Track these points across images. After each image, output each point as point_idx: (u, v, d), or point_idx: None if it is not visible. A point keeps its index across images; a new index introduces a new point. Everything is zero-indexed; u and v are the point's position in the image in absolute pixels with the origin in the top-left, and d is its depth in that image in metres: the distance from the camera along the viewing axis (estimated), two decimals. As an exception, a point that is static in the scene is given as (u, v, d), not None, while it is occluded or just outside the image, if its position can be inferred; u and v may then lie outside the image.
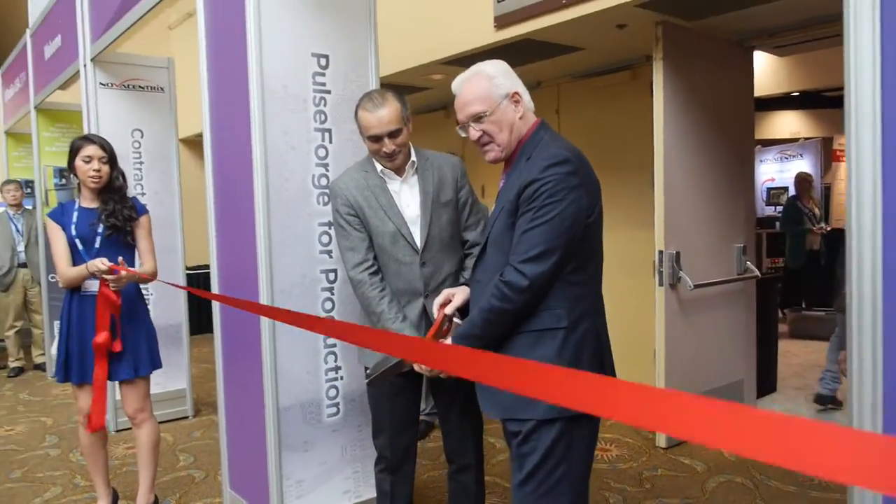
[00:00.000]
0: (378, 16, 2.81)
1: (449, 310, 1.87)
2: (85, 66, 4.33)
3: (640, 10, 3.63)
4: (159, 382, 4.41)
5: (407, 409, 2.28)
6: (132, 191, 4.41)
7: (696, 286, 3.71)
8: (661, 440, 3.77)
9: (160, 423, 4.40)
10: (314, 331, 1.74)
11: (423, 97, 6.00)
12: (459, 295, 1.90)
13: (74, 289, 2.78)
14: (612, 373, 1.78)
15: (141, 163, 4.52)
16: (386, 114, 2.11)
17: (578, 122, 5.31)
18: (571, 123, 5.36)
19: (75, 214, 2.80)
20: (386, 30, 4.52)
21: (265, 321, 2.49)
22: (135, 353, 2.84)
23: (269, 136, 2.50)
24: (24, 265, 6.09)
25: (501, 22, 4.15)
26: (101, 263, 2.62)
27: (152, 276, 2.86)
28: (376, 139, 2.13)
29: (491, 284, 1.67)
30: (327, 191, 2.58)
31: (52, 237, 2.79)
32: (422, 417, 4.06)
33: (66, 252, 2.77)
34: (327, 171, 2.63)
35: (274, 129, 2.51)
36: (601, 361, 1.71)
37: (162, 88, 4.63)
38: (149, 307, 4.53)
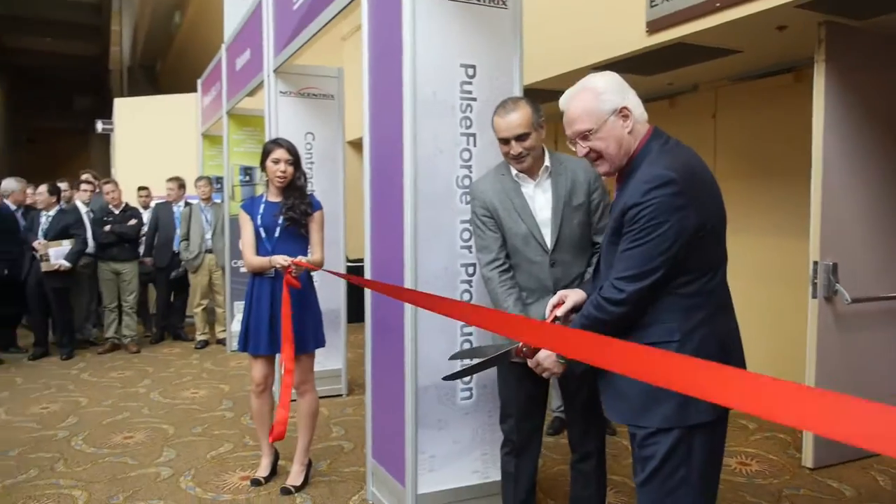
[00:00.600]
0: (528, 21, 2.97)
1: (560, 312, 1.97)
2: (268, 76, 4.88)
3: (802, 10, 3.49)
4: (319, 362, 4.85)
5: (533, 395, 2.43)
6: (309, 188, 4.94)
7: (855, 300, 3.51)
8: (808, 460, 3.59)
9: (319, 398, 4.92)
10: (450, 314, 1.91)
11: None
12: (573, 297, 1.99)
13: (257, 273, 3.23)
14: None
15: (311, 163, 5.01)
16: (515, 118, 2.27)
17: (736, 126, 5.14)
18: (728, 127, 5.21)
19: (262, 206, 3.25)
20: (536, 36, 4.70)
21: (408, 309, 2.74)
22: (303, 332, 3.21)
23: (420, 140, 2.74)
24: (210, 251, 6.91)
25: (654, 27, 4.15)
26: (283, 260, 3.06)
27: (319, 266, 3.24)
28: (505, 142, 2.30)
29: (591, 296, 1.78)
30: (467, 191, 2.79)
31: (243, 226, 3.25)
32: (556, 414, 4.17)
33: (253, 241, 3.21)
34: (470, 172, 2.83)
35: (424, 133, 2.75)
36: (732, 355, 1.74)
37: (332, 96, 5.10)
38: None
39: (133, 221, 6.72)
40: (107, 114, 10.09)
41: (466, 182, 2.83)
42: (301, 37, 4.13)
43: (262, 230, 3.21)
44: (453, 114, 2.80)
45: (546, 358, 1.97)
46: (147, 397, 5.11)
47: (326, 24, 3.73)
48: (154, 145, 8.65)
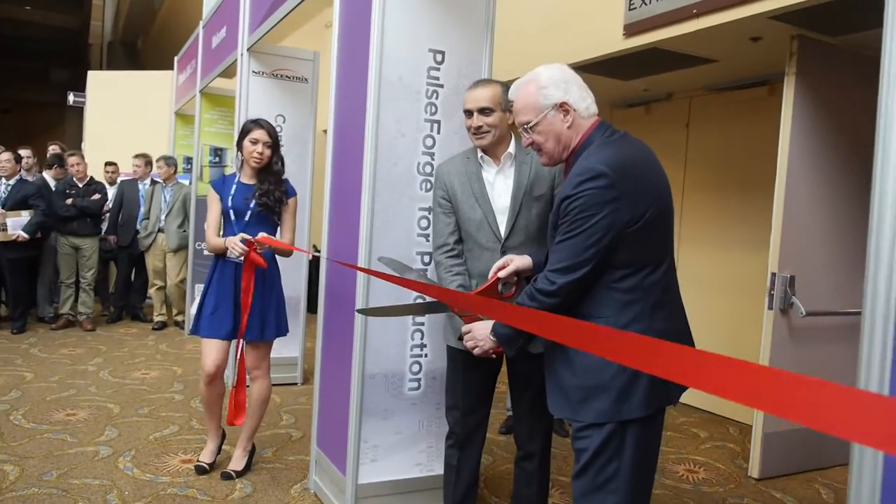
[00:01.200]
0: (505, 20, 2.94)
1: (503, 273, 1.98)
2: (241, 55, 4.78)
3: (775, 22, 3.51)
4: (276, 349, 4.76)
5: (480, 387, 2.39)
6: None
7: (810, 313, 3.52)
8: (755, 470, 3.60)
9: (273, 386, 4.83)
10: (406, 286, 1.94)
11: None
12: (517, 262, 1.99)
13: (220, 255, 3.08)
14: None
15: (281, 145, 4.91)
16: (482, 92, 2.28)
17: (708, 136, 5.16)
18: (700, 138, 5.22)
19: (234, 187, 3.10)
20: (512, 35, 4.67)
21: (359, 294, 2.69)
22: (263, 316, 3.09)
23: (382, 123, 2.69)
24: (161, 231, 6.79)
25: (631, 30, 4.14)
26: (239, 245, 2.87)
27: (286, 248, 3.08)
28: (468, 114, 2.29)
29: (528, 286, 1.76)
30: (431, 178, 2.74)
31: (210, 204, 3.13)
32: (509, 413, 4.13)
33: (217, 221, 3.11)
34: (432, 159, 2.78)
35: (387, 117, 2.70)
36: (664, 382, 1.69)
37: (306, 79, 5.02)
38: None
39: (97, 196, 6.57)
40: (81, 87, 9.88)
41: (428, 169, 2.78)
42: (276, 15, 4.05)
43: (231, 212, 3.08)
44: (418, 99, 2.76)
45: (481, 329, 1.94)
46: (96, 375, 4.98)
47: (297, 5, 3.66)
48: (126, 121, 8.48)
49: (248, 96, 4.72)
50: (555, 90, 1.78)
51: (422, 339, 2.83)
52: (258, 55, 4.77)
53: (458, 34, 2.81)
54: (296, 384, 4.99)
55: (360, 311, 2.50)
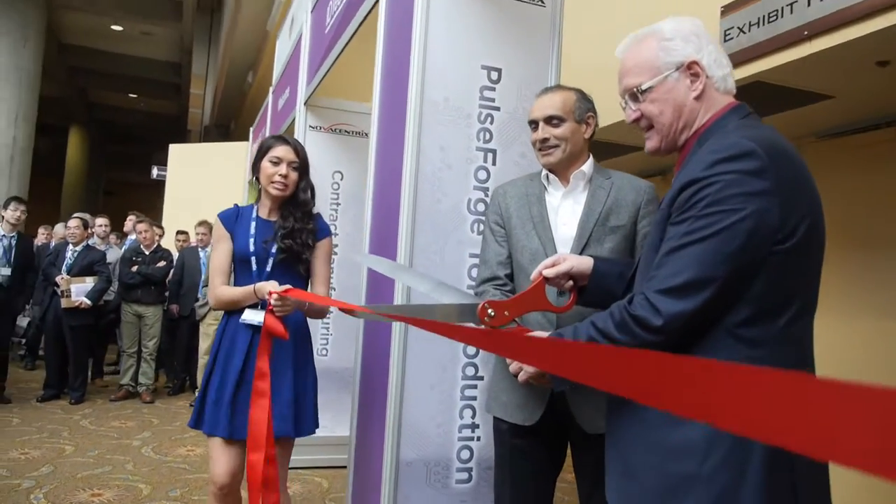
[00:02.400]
0: (574, 41, 2.49)
1: (549, 273, 1.42)
2: (299, 109, 4.54)
3: (910, 38, 2.89)
4: (326, 426, 4.31)
5: (534, 486, 1.81)
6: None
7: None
8: None
9: (319, 468, 4.32)
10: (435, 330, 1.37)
11: (637, 159, 5.51)
12: (573, 261, 1.44)
13: (233, 312, 2.32)
14: (814, 498, 1.14)
15: (338, 204, 4.59)
16: (550, 98, 1.82)
17: (826, 190, 4.43)
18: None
19: (253, 225, 2.34)
20: (588, 74, 4.22)
21: (395, 358, 2.17)
22: (299, 404, 2.29)
23: (424, 152, 2.24)
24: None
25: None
26: (272, 286, 2.12)
27: (320, 309, 2.41)
28: (534, 126, 1.83)
29: (615, 305, 1.19)
30: (483, 217, 2.25)
31: (215, 243, 2.41)
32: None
33: (226, 265, 2.38)
34: (486, 195, 2.29)
35: (430, 145, 2.25)
36: (789, 472, 1.08)
37: (366, 134, 4.71)
38: (326, 347, 4.54)
39: (162, 263, 6.43)
40: (160, 159, 10.16)
41: (481, 207, 2.29)
42: (328, 60, 3.77)
43: (253, 259, 2.31)
44: (469, 124, 2.30)
45: None
46: (138, 451, 4.61)
47: (349, 40, 3.35)
48: (203, 191, 8.51)
49: (304, 152, 4.44)
50: (683, 45, 1.28)
51: (473, 417, 2.26)
52: (315, 109, 4.51)
53: (518, 48, 2.37)
54: (345, 467, 4.44)
55: (364, 309, 1.91)
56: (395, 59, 2.52)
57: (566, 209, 1.84)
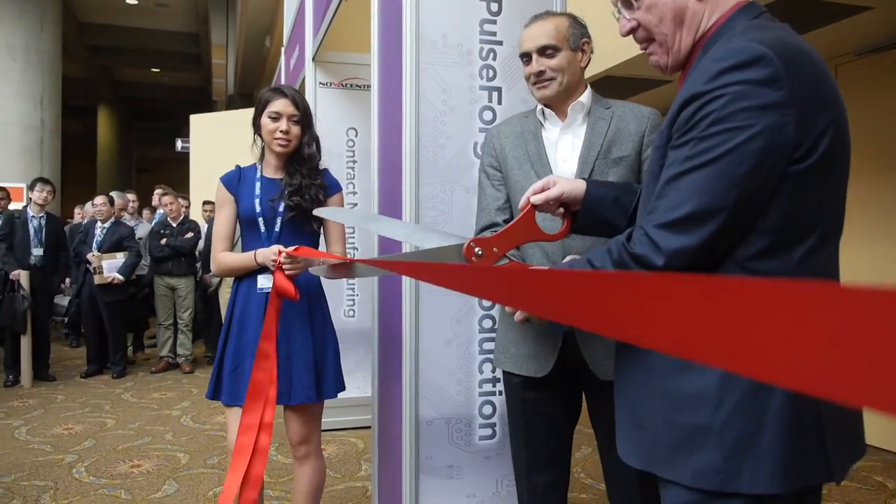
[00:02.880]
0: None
1: (537, 199, 1.30)
2: (308, 66, 4.40)
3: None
4: (358, 387, 4.28)
5: (550, 441, 1.71)
6: (341, 179, 4.37)
7: None
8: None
9: (353, 429, 4.31)
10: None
11: (665, 93, 5.25)
12: (563, 184, 1.30)
13: (243, 277, 2.23)
14: (844, 439, 1.02)
15: (354, 161, 4.47)
16: (540, 26, 1.66)
17: (860, 113, 4.17)
18: (853, 114, 4.23)
19: (258, 185, 2.25)
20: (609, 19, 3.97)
21: (406, 313, 2.08)
22: (319, 367, 2.22)
23: (424, 95, 2.10)
24: None
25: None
26: (274, 254, 2.05)
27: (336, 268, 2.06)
28: (526, 59, 1.68)
29: (613, 242, 1.06)
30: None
31: (218, 208, 2.31)
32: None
33: (229, 231, 2.31)
34: (493, 138, 2.15)
35: (429, 87, 2.11)
36: (814, 414, 0.96)
37: (378, 87, 4.56)
38: (353, 308, 4.49)
39: (190, 235, 6.44)
40: (186, 132, 10.14)
41: (488, 151, 2.15)
42: (329, 11, 3.61)
43: (260, 220, 2.23)
44: (470, 62, 2.15)
45: None
46: (178, 421, 4.67)
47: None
48: (225, 159, 8.45)
49: (315, 110, 4.31)
50: None
51: (493, 371, 2.17)
52: (323, 65, 4.37)
53: (519, -24, 2.19)
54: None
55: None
56: (388, 3, 2.37)
57: (565, 144, 1.70)
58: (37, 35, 11.75)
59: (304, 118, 2.24)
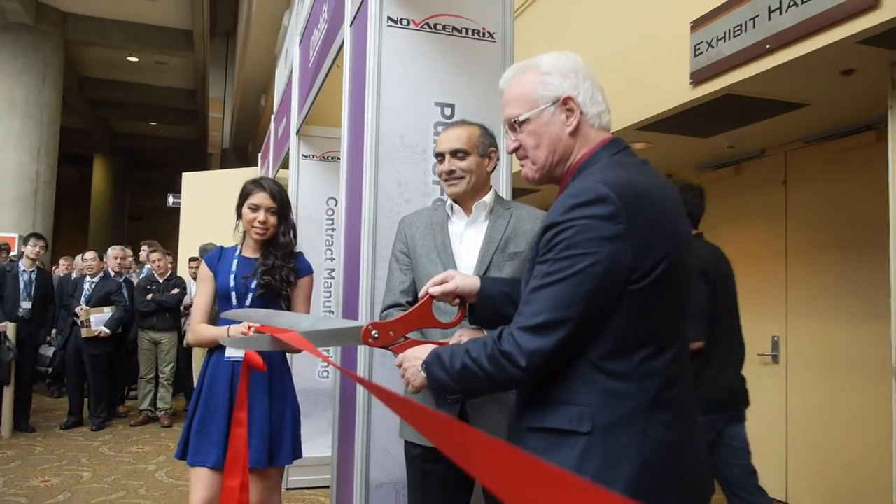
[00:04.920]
0: None
1: (435, 291, 1.50)
2: (292, 139, 4.70)
3: (868, 47, 2.94)
4: (329, 446, 4.41)
5: None
6: (319, 255, 4.61)
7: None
8: None
9: (322, 488, 4.43)
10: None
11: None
12: (459, 280, 1.51)
13: (214, 348, 2.49)
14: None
15: (333, 229, 4.73)
16: (454, 132, 1.94)
17: (808, 194, 4.48)
18: (801, 196, 4.55)
19: (235, 262, 2.53)
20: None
21: (360, 389, 2.29)
22: (275, 435, 2.41)
23: (382, 188, 2.37)
24: None
25: (698, 77, 3.68)
26: (243, 329, 2.22)
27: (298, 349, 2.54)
28: (440, 158, 1.95)
29: (489, 337, 1.28)
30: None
31: (199, 284, 2.62)
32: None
33: (207, 305, 2.58)
34: (444, 226, 2.40)
35: (387, 181, 2.37)
36: (662, 486, 1.17)
37: (358, 159, 4.86)
38: (327, 370, 4.67)
39: (175, 291, 6.63)
40: (178, 189, 10.43)
41: (438, 238, 2.40)
42: (312, 93, 3.92)
43: (233, 294, 2.50)
44: (424, 159, 2.42)
45: (410, 360, 1.43)
46: (152, 476, 4.78)
47: (327, 74, 3.49)
48: (215, 217, 8.70)
49: (298, 181, 4.60)
50: (560, 80, 1.34)
51: (439, 439, 2.37)
52: (306, 138, 4.68)
53: (471, 83, 2.49)
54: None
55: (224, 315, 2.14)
56: (356, 98, 2.66)
57: (468, 238, 1.95)
58: (38, 89, 12.14)
59: (280, 209, 2.52)
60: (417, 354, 1.42)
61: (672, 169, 5.66)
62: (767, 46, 3.21)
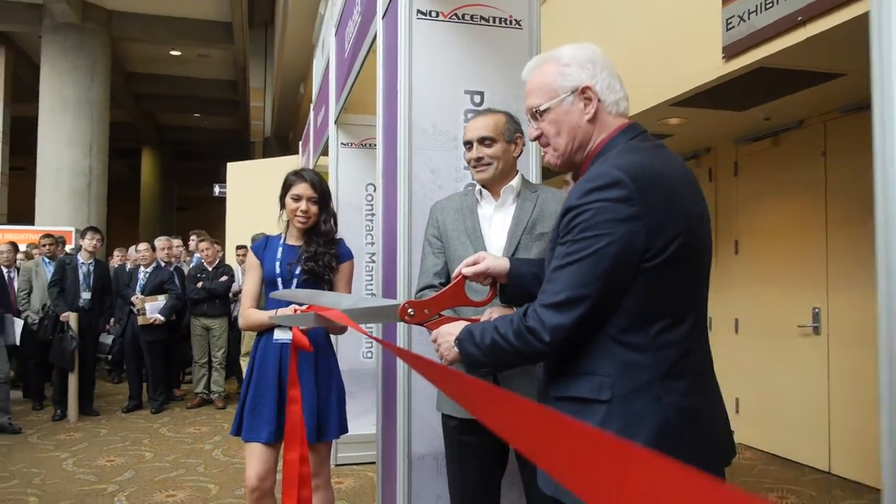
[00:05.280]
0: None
1: (468, 271, 1.61)
2: (331, 128, 4.83)
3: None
4: (354, 426, 4.57)
5: (480, 477, 2.03)
6: (359, 240, 4.75)
7: None
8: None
9: (369, 464, 4.61)
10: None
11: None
12: (490, 261, 1.62)
13: (263, 332, 2.64)
14: (714, 469, 1.31)
15: (372, 214, 4.85)
16: (481, 121, 2.03)
17: (849, 165, 4.42)
18: (841, 168, 4.49)
19: (280, 250, 2.68)
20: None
21: (401, 366, 2.41)
22: (322, 412, 2.58)
23: (416, 175, 2.46)
24: None
25: (730, 52, 3.67)
26: (289, 314, 2.37)
27: (341, 329, 2.61)
28: (468, 146, 2.04)
29: (516, 314, 1.37)
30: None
31: (247, 271, 2.80)
32: None
33: (255, 291, 2.73)
34: (476, 210, 2.50)
35: (421, 168, 2.47)
36: (678, 447, 1.24)
37: (395, 145, 4.96)
38: (371, 350, 4.83)
39: (224, 278, 6.88)
40: (223, 178, 10.74)
41: (471, 222, 2.50)
42: (348, 83, 4.03)
43: (279, 280, 2.66)
44: (455, 146, 2.50)
45: (444, 336, 1.55)
46: (210, 455, 5.04)
47: (362, 65, 3.59)
48: (260, 206, 8.95)
49: (337, 168, 4.73)
50: (578, 71, 1.42)
51: (477, 413, 2.48)
52: (345, 127, 4.80)
53: (499, 71, 2.56)
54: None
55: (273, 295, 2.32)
56: (389, 89, 2.75)
57: (497, 221, 2.03)
58: (87, 86, 12.57)
59: (321, 199, 2.66)
60: (450, 331, 1.53)
61: (709, 143, 5.63)
62: (799, 18, 3.19)
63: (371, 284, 4.70)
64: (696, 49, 3.93)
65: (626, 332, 1.27)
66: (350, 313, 1.59)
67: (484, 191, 2.06)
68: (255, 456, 2.52)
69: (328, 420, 2.58)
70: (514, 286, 1.63)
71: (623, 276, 1.25)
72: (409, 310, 1.60)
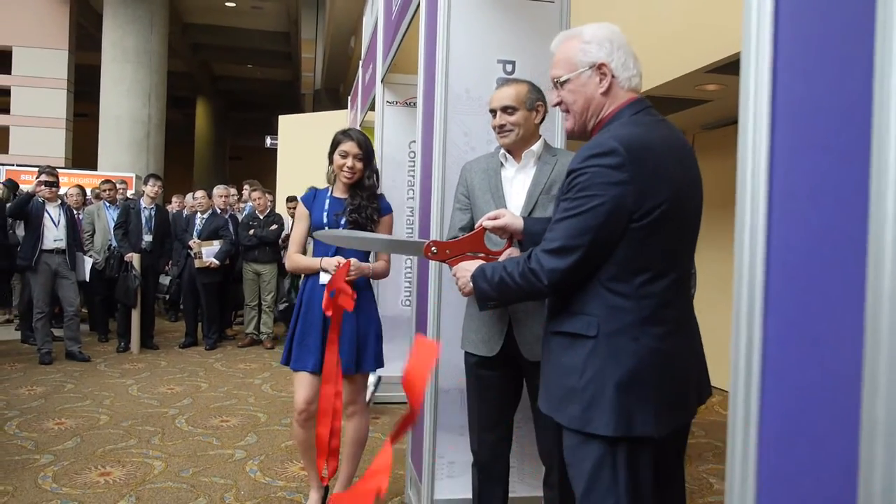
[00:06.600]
0: (634, 22, 2.81)
1: (488, 224, 1.89)
2: (377, 86, 5.06)
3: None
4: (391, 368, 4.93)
5: (496, 407, 2.30)
6: (400, 196, 5.03)
7: None
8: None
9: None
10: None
11: (704, 112, 5.63)
12: (509, 218, 1.89)
13: (310, 275, 2.94)
14: (670, 408, 1.53)
15: (414, 171, 5.10)
16: (505, 91, 2.23)
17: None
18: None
19: (327, 202, 2.94)
20: (645, 37, 4.43)
21: (431, 305, 2.69)
22: (361, 347, 2.88)
23: (451, 138, 2.70)
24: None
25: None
26: (335, 263, 2.70)
27: (383, 274, 2.96)
28: (493, 114, 2.25)
29: (522, 256, 1.62)
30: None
31: (297, 220, 3.09)
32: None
33: (303, 238, 3.02)
34: (505, 171, 2.73)
35: (455, 131, 2.70)
36: (646, 388, 1.47)
37: (437, 105, 5.17)
38: (409, 298, 5.14)
39: (274, 227, 7.26)
40: (274, 130, 11.11)
41: (501, 182, 2.73)
42: (395, 43, 4.24)
43: (326, 229, 2.90)
44: (487, 111, 2.72)
45: (461, 271, 1.84)
46: (259, 388, 5.47)
47: (407, 28, 3.80)
48: (309, 158, 9.28)
49: (382, 125, 4.97)
50: (597, 49, 1.62)
51: (498, 354, 2.76)
52: (391, 86, 5.02)
53: (530, 42, 2.75)
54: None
55: (316, 235, 2.66)
56: (429, 54, 2.97)
57: (518, 182, 2.25)
58: (146, 37, 13.00)
59: (366, 156, 2.91)
60: (468, 267, 1.81)
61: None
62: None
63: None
64: (734, 16, 4.01)
65: (614, 280, 1.51)
66: (380, 240, 1.89)
67: (507, 154, 2.29)
68: (302, 383, 2.87)
69: (365, 354, 2.89)
70: (528, 242, 1.88)
71: (612, 232, 1.48)
72: (433, 247, 1.88)
